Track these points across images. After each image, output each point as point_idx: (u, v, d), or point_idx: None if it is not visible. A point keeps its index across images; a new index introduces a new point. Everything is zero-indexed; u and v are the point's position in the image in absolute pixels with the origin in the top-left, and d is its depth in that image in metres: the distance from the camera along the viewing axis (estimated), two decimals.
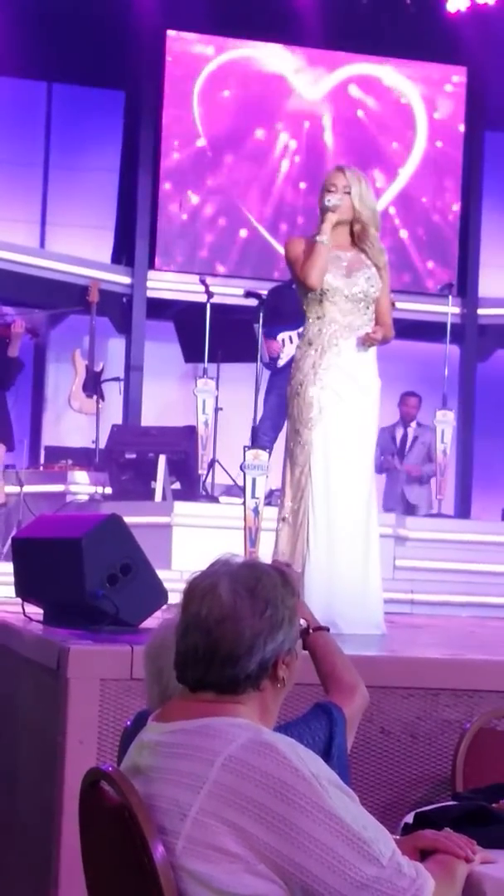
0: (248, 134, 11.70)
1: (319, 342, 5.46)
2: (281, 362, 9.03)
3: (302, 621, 2.74)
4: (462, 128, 11.98)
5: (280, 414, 8.73)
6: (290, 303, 8.68)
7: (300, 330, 8.40)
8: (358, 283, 5.47)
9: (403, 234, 11.78)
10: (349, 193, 5.44)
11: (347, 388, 5.46)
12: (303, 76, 11.79)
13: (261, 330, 8.37)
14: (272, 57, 11.76)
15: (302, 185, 11.51)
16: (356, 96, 11.88)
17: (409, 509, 10.18)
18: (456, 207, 11.95)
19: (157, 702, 2.69)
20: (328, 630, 3.02)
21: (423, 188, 11.95)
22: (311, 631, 2.94)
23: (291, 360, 8.65)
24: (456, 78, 11.99)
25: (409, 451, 10.51)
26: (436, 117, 11.99)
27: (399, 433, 10.56)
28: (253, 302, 8.49)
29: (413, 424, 10.59)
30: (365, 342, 5.46)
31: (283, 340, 9.08)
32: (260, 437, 8.77)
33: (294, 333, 8.79)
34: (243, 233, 11.51)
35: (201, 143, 11.53)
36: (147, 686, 2.83)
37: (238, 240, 11.54)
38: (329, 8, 11.05)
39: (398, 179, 11.89)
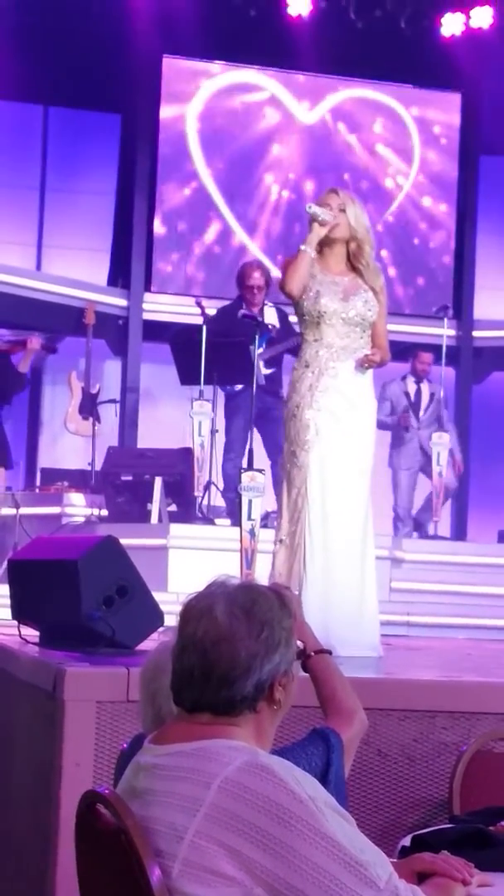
0: (244, 157, 11.73)
1: (316, 364, 5.48)
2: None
3: (300, 643, 2.73)
4: (457, 151, 12.03)
5: (245, 436, 8.77)
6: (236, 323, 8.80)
7: (260, 351, 8.49)
8: (355, 306, 5.49)
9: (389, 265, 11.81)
10: (344, 212, 5.47)
11: (344, 410, 5.47)
12: (298, 100, 11.83)
13: (256, 351, 8.39)
14: (267, 81, 11.80)
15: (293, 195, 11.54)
16: (352, 119, 11.92)
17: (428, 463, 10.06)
18: (451, 230, 11.99)
19: (151, 724, 2.68)
20: (330, 653, 3.01)
21: (418, 211, 11.99)
22: (312, 654, 2.94)
23: (247, 385, 8.67)
24: (451, 102, 12.04)
25: (426, 409, 10.31)
26: (431, 141, 12.04)
27: (412, 388, 10.31)
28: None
29: (425, 381, 10.41)
30: (363, 364, 5.48)
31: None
32: (227, 466, 8.82)
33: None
34: (238, 254, 11.53)
35: (199, 168, 11.56)
36: (141, 708, 2.82)
37: (234, 263, 11.56)
38: (325, 33, 11.11)
39: (393, 203, 11.92)
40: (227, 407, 9.17)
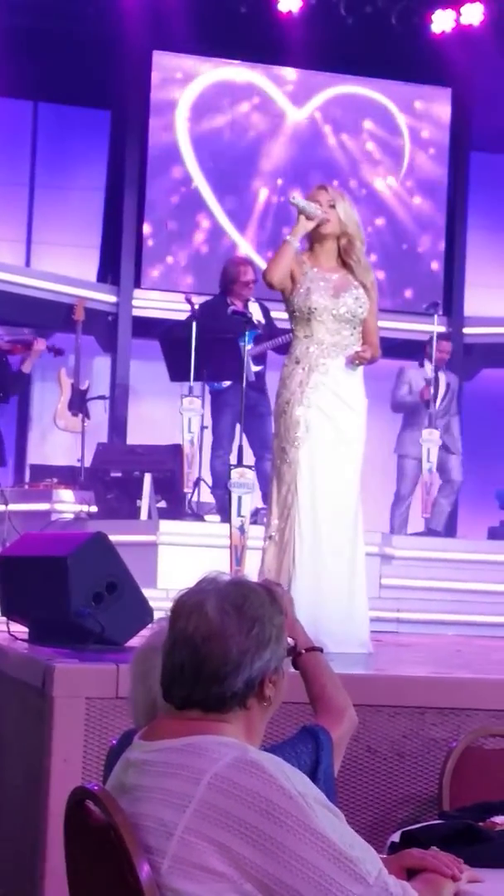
0: (234, 153, 11.72)
1: (307, 361, 5.48)
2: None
3: (291, 640, 2.72)
4: (447, 148, 12.03)
5: (232, 432, 8.77)
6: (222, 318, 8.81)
7: (248, 348, 8.49)
8: (346, 303, 5.49)
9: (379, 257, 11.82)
10: (333, 207, 5.48)
11: (334, 407, 5.47)
12: (289, 96, 11.82)
13: (246, 348, 8.39)
14: (258, 78, 11.79)
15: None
16: (342, 116, 11.91)
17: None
18: (441, 227, 11.99)
19: (144, 715, 2.67)
20: (321, 651, 3.00)
21: (408, 206, 11.98)
22: (303, 652, 2.93)
23: (234, 382, 8.66)
24: (441, 98, 12.04)
25: (442, 399, 10.21)
26: (421, 137, 12.04)
27: (431, 376, 10.12)
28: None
29: (443, 370, 10.31)
30: (353, 361, 5.48)
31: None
32: (216, 463, 8.81)
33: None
34: (228, 250, 11.52)
35: (189, 165, 11.55)
36: (133, 701, 2.80)
37: (224, 259, 11.56)
38: (315, 29, 11.09)
39: (385, 197, 11.92)
40: (214, 403, 9.17)
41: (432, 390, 10.01)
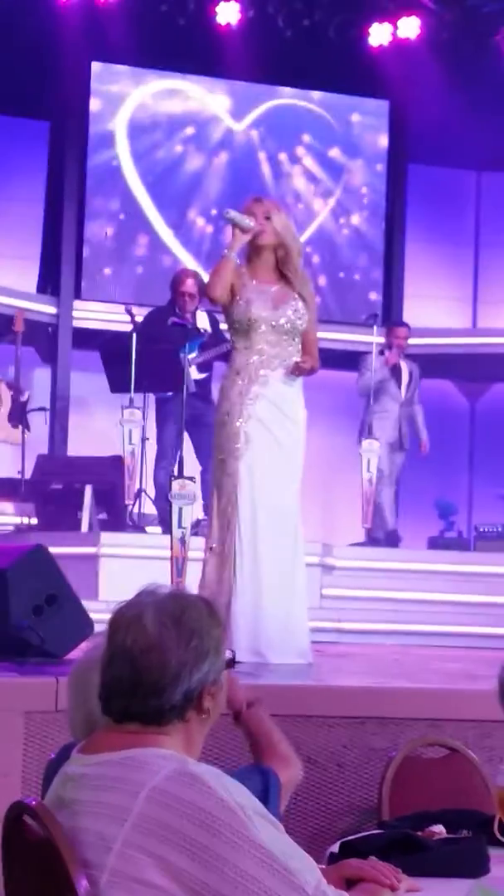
0: (173, 165, 11.73)
1: (247, 372, 5.49)
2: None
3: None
4: (385, 160, 12.10)
5: (179, 441, 8.74)
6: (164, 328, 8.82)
7: (192, 356, 8.50)
8: (285, 314, 5.51)
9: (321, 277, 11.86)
10: (269, 219, 5.50)
11: (274, 419, 5.49)
12: (227, 108, 11.85)
13: (186, 358, 8.39)
14: (196, 90, 11.81)
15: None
16: (279, 128, 11.95)
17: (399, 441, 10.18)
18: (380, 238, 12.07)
19: (81, 726, 2.66)
20: (260, 704, 2.96)
21: (346, 217, 12.05)
22: (244, 708, 2.89)
23: (176, 392, 8.64)
24: (379, 111, 12.11)
25: (407, 386, 10.31)
26: (359, 149, 12.10)
27: (391, 362, 10.21)
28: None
29: (403, 358, 10.38)
30: (293, 372, 5.50)
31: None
32: (159, 474, 8.79)
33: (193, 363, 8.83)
34: (167, 262, 11.53)
35: (128, 177, 11.55)
36: (70, 711, 2.79)
37: (163, 269, 11.57)
38: (254, 41, 11.13)
39: (322, 211, 11.98)
40: (159, 413, 9.15)
41: (394, 375, 10.16)
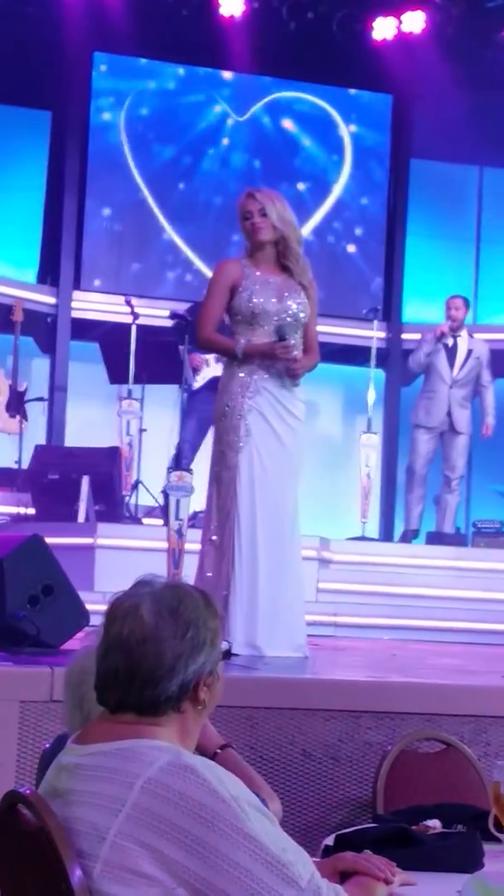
0: (174, 156, 11.71)
1: (248, 365, 5.47)
2: (197, 384, 9.03)
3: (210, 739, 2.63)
4: (388, 154, 12.09)
5: (199, 437, 8.72)
6: None
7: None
8: (290, 306, 5.49)
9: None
10: (266, 215, 5.46)
11: (275, 412, 5.48)
12: (230, 100, 11.83)
13: (186, 350, 8.38)
14: (199, 80, 11.79)
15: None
16: (283, 121, 11.93)
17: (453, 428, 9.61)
18: (382, 233, 12.05)
19: (78, 720, 2.65)
20: (232, 747, 2.82)
21: (348, 213, 12.03)
22: (217, 752, 2.74)
23: (209, 382, 8.66)
24: (382, 105, 12.09)
25: (461, 366, 9.57)
26: (362, 143, 12.09)
27: (449, 340, 9.54)
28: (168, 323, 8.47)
29: (463, 333, 9.63)
30: (288, 376, 5.45)
31: (206, 360, 9.08)
32: (181, 462, 8.75)
33: (211, 357, 8.80)
34: (167, 253, 11.51)
35: (130, 166, 11.53)
36: (67, 713, 2.79)
37: (163, 261, 11.55)
38: (257, 33, 11.11)
39: (324, 205, 11.97)
40: (183, 409, 9.02)
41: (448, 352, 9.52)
